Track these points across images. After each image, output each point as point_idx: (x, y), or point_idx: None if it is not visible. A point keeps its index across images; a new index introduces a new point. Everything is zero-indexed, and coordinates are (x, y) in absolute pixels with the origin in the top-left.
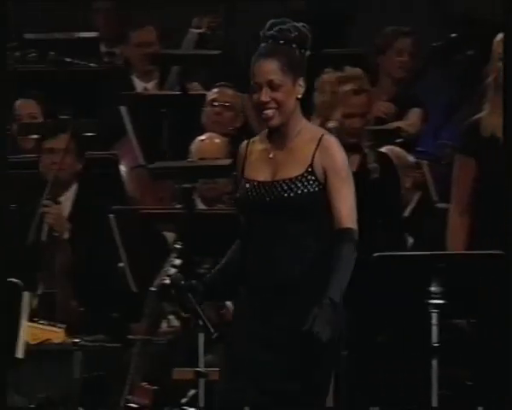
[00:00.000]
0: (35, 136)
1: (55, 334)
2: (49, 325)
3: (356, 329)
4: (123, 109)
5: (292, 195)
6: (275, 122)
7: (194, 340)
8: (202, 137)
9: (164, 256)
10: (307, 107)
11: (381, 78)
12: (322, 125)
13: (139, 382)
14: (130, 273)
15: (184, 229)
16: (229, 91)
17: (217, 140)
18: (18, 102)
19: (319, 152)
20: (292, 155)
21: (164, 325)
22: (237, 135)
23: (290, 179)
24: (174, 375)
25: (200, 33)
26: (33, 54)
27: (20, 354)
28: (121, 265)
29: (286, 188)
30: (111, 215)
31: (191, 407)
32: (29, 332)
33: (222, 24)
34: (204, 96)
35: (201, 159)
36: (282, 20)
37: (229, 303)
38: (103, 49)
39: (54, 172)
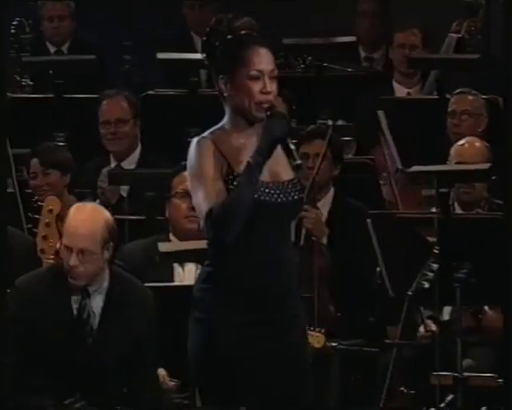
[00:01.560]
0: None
1: (316, 339)
2: (308, 329)
3: None
4: (380, 113)
5: (302, 196)
6: None
7: (452, 344)
8: (462, 142)
9: (421, 261)
10: None
11: None
12: None
13: (397, 386)
14: (388, 278)
15: (442, 233)
16: (469, 97)
17: (477, 144)
18: None
19: None
20: (279, 158)
21: (421, 330)
22: (488, 138)
23: (293, 181)
24: (432, 380)
25: (458, 38)
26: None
27: None
28: (378, 269)
29: (299, 189)
30: (368, 220)
31: None
32: None
33: (481, 28)
34: None
35: (459, 163)
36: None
37: (486, 308)
38: (362, 53)
39: (310, 177)
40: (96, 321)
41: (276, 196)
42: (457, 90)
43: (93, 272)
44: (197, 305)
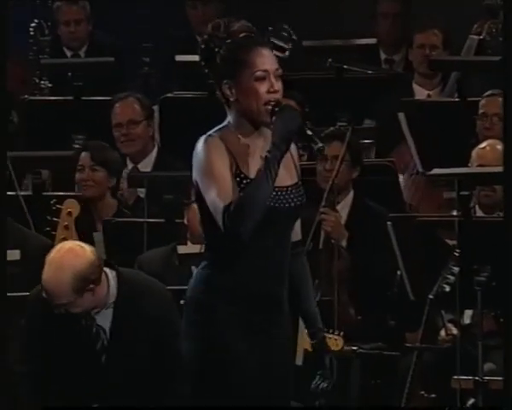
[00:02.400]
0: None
1: (334, 342)
2: (327, 332)
3: None
4: (401, 116)
5: (303, 202)
6: None
7: (473, 348)
8: (483, 144)
9: (441, 264)
10: None
11: None
12: None
13: (417, 390)
14: (408, 281)
15: (463, 236)
16: (500, 99)
17: (498, 147)
18: None
19: (296, 162)
20: (283, 162)
21: (442, 333)
22: None
23: (296, 186)
24: (452, 384)
25: (479, 39)
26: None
27: (299, 361)
28: (399, 272)
29: (301, 194)
30: (389, 223)
31: None
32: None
33: (502, 30)
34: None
35: (481, 165)
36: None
37: None
38: (383, 55)
39: (329, 180)
40: (106, 336)
41: (279, 201)
42: (488, 92)
43: (86, 308)
44: (195, 307)
